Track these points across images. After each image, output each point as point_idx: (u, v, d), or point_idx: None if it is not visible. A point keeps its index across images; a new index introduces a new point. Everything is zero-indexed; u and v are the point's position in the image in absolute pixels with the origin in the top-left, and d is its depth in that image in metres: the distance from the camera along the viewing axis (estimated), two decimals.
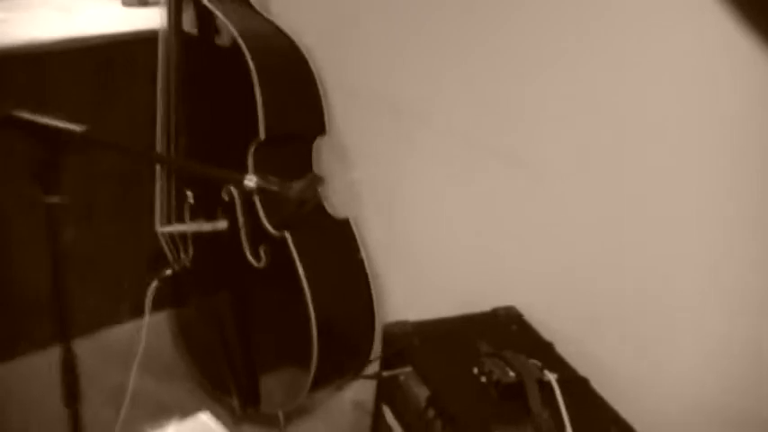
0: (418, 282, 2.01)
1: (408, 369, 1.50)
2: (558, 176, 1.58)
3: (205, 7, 2.02)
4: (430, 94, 1.84)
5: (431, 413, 1.41)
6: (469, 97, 1.75)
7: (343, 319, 2.07)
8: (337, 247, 2.10)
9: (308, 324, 1.93)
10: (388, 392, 1.58)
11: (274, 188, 1.23)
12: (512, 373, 1.39)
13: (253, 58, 1.93)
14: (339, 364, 2.07)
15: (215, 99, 2.08)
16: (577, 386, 1.44)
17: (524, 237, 1.70)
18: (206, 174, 1.59)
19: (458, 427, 1.35)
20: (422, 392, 1.45)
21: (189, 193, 2.14)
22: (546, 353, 1.54)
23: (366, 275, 2.09)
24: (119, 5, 2.39)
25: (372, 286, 2.08)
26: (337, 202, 2.17)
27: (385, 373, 1.56)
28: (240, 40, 1.94)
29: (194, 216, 2.12)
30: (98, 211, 2.30)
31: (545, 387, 1.38)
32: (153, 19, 2.17)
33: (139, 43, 2.18)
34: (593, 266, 1.55)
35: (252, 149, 1.97)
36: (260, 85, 1.93)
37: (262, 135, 1.94)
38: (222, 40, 2.03)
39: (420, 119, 1.89)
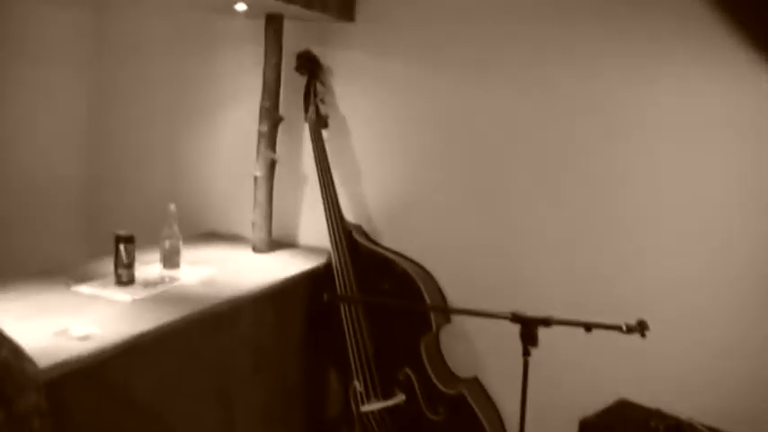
0: None
1: None
2: None
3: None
4: None
5: None
6: None
7: None
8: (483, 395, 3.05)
9: None
10: None
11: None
12: None
13: (417, 278, 2.92)
14: None
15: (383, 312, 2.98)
16: None
17: None
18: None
19: None
20: None
21: (356, 383, 2.97)
22: None
23: None
24: (251, 252, 3.19)
25: None
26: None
27: None
28: (408, 270, 2.92)
29: (365, 399, 2.95)
30: None
31: None
32: (287, 260, 3.06)
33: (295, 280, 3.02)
34: None
35: (423, 340, 2.91)
36: (426, 293, 2.91)
37: (434, 328, 2.91)
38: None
39: None
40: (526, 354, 2.04)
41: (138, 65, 3.61)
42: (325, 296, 2.69)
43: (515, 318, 2.05)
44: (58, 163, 3.68)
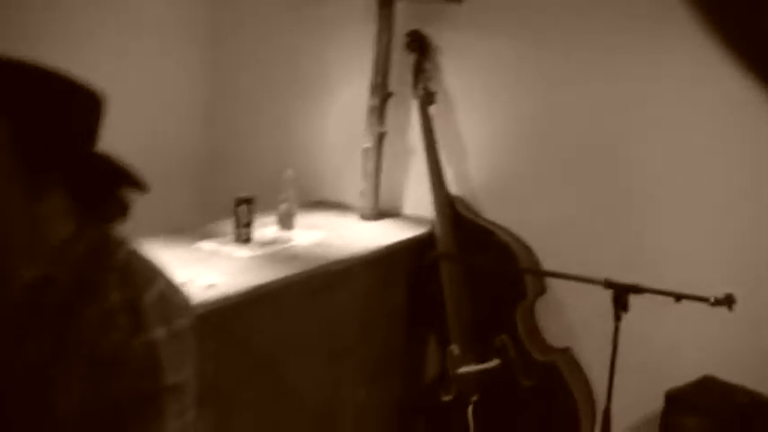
0: None
1: None
2: None
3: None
4: None
5: None
6: None
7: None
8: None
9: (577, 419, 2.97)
10: None
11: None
12: None
13: (516, 250, 3.06)
14: None
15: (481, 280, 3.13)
16: None
17: None
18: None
19: None
20: None
21: (454, 348, 3.13)
22: None
23: None
24: (358, 220, 3.39)
25: None
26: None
27: None
28: (508, 242, 3.06)
29: (462, 362, 3.11)
30: None
31: None
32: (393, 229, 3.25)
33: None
34: None
35: (519, 309, 3.05)
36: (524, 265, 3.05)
37: (529, 297, 3.05)
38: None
39: None
40: (618, 319, 2.17)
41: (255, 41, 3.84)
42: (432, 255, 2.86)
43: (608, 284, 2.17)
44: (179, 135, 3.95)
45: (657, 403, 2.68)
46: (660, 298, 2.20)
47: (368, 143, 3.33)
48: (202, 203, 3.86)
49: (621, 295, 2.16)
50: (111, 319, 1.12)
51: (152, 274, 1.21)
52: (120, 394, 1.10)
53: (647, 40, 2.90)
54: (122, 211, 1.21)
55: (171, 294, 1.24)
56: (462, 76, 3.31)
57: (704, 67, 2.78)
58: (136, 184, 1.19)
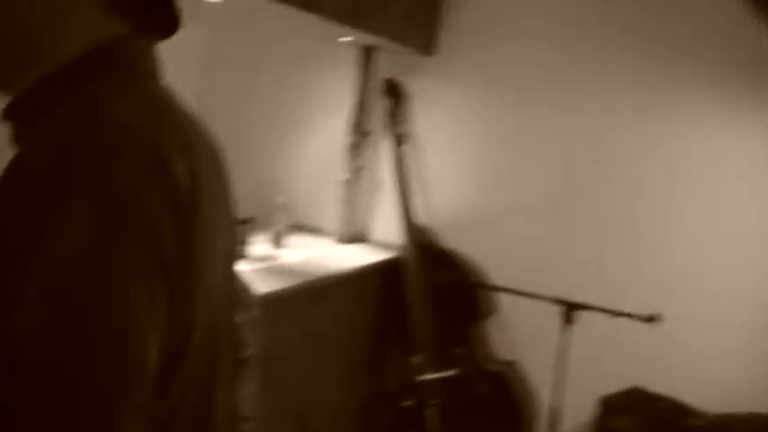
0: None
1: None
2: None
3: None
4: None
5: None
6: None
7: None
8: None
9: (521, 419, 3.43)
10: None
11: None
12: None
13: (473, 273, 3.52)
14: None
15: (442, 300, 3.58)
16: None
17: None
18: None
19: None
20: None
21: (416, 358, 3.56)
22: None
23: None
24: (334, 243, 3.81)
25: None
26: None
27: None
28: (465, 266, 3.52)
29: (423, 371, 3.54)
30: None
31: None
32: (366, 252, 3.68)
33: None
34: None
35: (473, 325, 3.51)
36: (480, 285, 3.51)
37: (483, 316, 3.51)
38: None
39: None
40: (565, 332, 2.64)
41: (245, 76, 4.25)
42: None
43: (558, 301, 2.64)
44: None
45: (592, 408, 3.16)
46: (597, 315, 2.68)
47: (346, 175, 3.77)
48: None
49: (570, 311, 2.64)
50: None
51: None
52: None
53: (592, 93, 3.43)
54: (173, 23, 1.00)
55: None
56: (432, 120, 3.79)
57: (636, 113, 3.32)
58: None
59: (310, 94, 4.09)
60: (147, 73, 0.92)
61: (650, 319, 2.61)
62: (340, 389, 3.48)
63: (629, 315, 2.62)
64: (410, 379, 3.58)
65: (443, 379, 3.51)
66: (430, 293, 3.56)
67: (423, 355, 3.53)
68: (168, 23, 0.98)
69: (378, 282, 3.64)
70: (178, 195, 0.79)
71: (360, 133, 3.77)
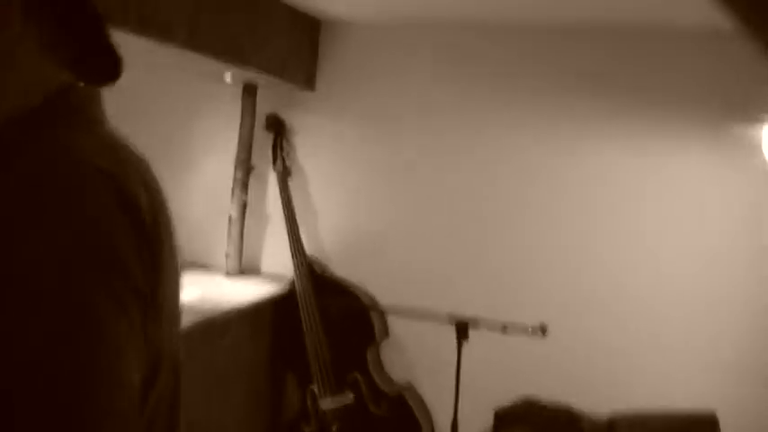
0: None
1: None
2: None
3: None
4: None
5: None
6: None
7: None
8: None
9: None
10: None
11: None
12: None
13: (364, 299, 3.62)
14: None
15: (336, 327, 3.66)
16: None
17: None
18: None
19: None
20: None
21: (314, 386, 3.62)
22: None
23: None
24: (224, 278, 3.83)
25: None
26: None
27: None
28: (356, 293, 3.62)
29: (321, 398, 3.61)
30: None
31: None
32: (256, 285, 3.72)
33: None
34: None
35: (369, 350, 3.61)
36: (371, 310, 3.62)
37: (377, 340, 3.61)
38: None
39: None
40: (460, 346, 2.78)
41: (132, 123, 4.21)
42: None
43: (452, 318, 2.78)
44: None
45: (488, 419, 3.31)
46: (488, 331, 2.84)
47: (232, 211, 3.80)
48: None
49: (461, 327, 2.78)
50: None
51: None
52: None
53: (461, 120, 3.62)
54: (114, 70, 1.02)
55: None
56: (315, 153, 3.89)
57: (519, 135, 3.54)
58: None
59: (197, 134, 4.10)
60: (96, 119, 0.96)
61: (540, 329, 2.79)
62: (240, 422, 3.49)
63: (519, 329, 2.78)
64: (309, 407, 3.63)
65: (342, 405, 3.59)
66: (324, 321, 3.63)
67: (320, 383, 3.60)
68: (110, 71, 1.01)
69: (271, 313, 3.68)
70: (144, 227, 0.83)
71: (245, 168, 3.81)
